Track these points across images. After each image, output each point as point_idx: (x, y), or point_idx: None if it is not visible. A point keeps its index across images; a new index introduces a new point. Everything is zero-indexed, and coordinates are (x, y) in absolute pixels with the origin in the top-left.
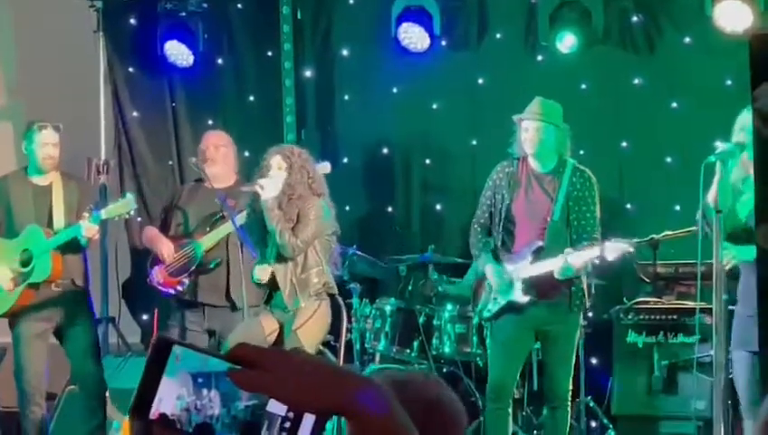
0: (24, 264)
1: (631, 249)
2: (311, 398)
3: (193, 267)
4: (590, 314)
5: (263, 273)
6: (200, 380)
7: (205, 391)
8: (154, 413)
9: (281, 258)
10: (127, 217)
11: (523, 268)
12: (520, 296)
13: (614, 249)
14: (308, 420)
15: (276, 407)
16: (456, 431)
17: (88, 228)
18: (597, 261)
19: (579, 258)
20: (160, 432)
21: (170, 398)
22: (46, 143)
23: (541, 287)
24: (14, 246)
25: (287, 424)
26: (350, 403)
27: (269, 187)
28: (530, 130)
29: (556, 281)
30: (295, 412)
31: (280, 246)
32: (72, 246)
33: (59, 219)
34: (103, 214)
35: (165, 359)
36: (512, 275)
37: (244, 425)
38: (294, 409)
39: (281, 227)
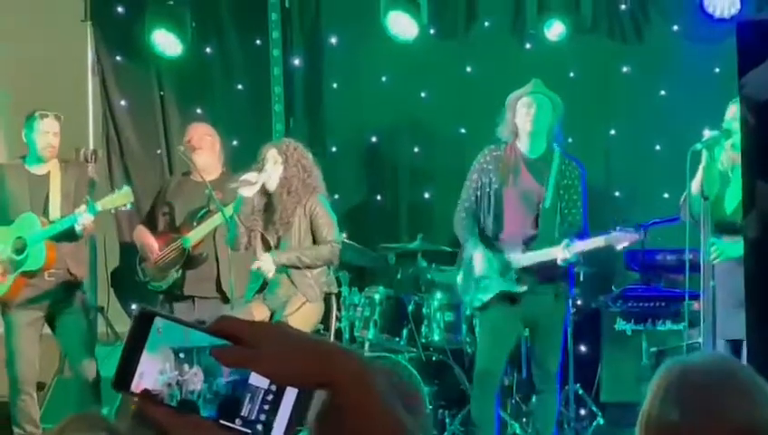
0: (18, 251)
1: (639, 237)
2: (292, 371)
3: (181, 262)
4: (579, 302)
5: (267, 264)
6: (182, 355)
7: (186, 367)
8: (136, 387)
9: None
10: (123, 208)
11: (519, 257)
12: (514, 286)
13: (622, 239)
14: (290, 393)
15: (258, 380)
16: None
17: (85, 218)
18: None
19: (583, 247)
20: (143, 406)
21: (152, 372)
22: (47, 132)
23: (535, 276)
24: (9, 233)
25: (269, 397)
26: (333, 376)
27: (264, 178)
28: (532, 106)
29: (550, 270)
30: (278, 386)
31: (326, 262)
32: (68, 235)
33: (55, 208)
34: (99, 206)
35: (147, 332)
36: (505, 262)
37: (226, 400)
38: (276, 382)
39: (307, 256)
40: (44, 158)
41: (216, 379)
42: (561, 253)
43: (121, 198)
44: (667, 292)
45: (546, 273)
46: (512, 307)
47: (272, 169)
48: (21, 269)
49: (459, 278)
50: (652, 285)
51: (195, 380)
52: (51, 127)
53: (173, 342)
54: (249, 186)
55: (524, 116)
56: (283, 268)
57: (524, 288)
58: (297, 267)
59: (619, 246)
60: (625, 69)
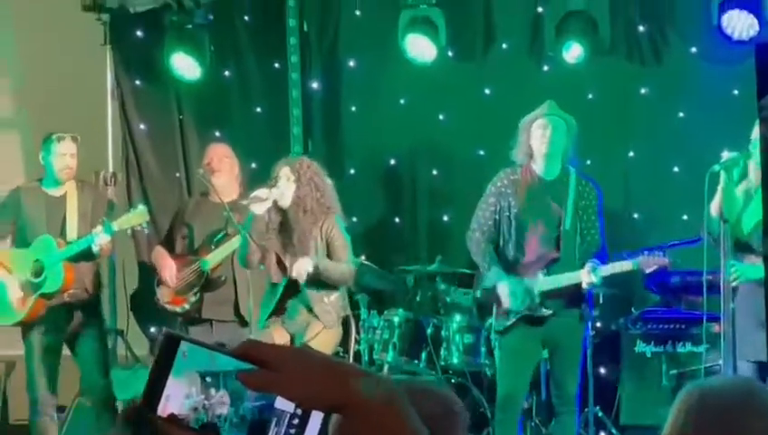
0: (36, 274)
1: (668, 262)
2: (317, 395)
3: (200, 285)
4: (599, 324)
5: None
6: (208, 379)
7: (213, 391)
8: (162, 411)
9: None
10: (139, 228)
11: (542, 281)
12: (539, 310)
13: (651, 263)
14: (316, 417)
15: (284, 404)
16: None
17: (101, 239)
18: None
19: (611, 271)
20: (167, 430)
21: (178, 396)
22: (64, 154)
23: (560, 300)
24: (27, 255)
25: (295, 421)
26: (353, 400)
27: (276, 195)
28: (548, 128)
29: (576, 293)
30: (303, 409)
31: (340, 282)
32: (85, 256)
33: (72, 229)
34: (115, 225)
35: (172, 356)
36: (528, 288)
37: (253, 424)
38: (302, 406)
39: (336, 271)
40: (61, 180)
41: (243, 403)
42: (587, 277)
43: (137, 217)
44: (687, 314)
45: (572, 296)
46: (532, 328)
47: (285, 187)
48: (40, 292)
49: (477, 295)
50: (672, 306)
51: (221, 403)
52: (68, 149)
53: (199, 366)
54: (260, 202)
55: (540, 138)
56: (301, 298)
57: (549, 312)
58: (317, 281)
59: (648, 270)
60: (643, 91)
